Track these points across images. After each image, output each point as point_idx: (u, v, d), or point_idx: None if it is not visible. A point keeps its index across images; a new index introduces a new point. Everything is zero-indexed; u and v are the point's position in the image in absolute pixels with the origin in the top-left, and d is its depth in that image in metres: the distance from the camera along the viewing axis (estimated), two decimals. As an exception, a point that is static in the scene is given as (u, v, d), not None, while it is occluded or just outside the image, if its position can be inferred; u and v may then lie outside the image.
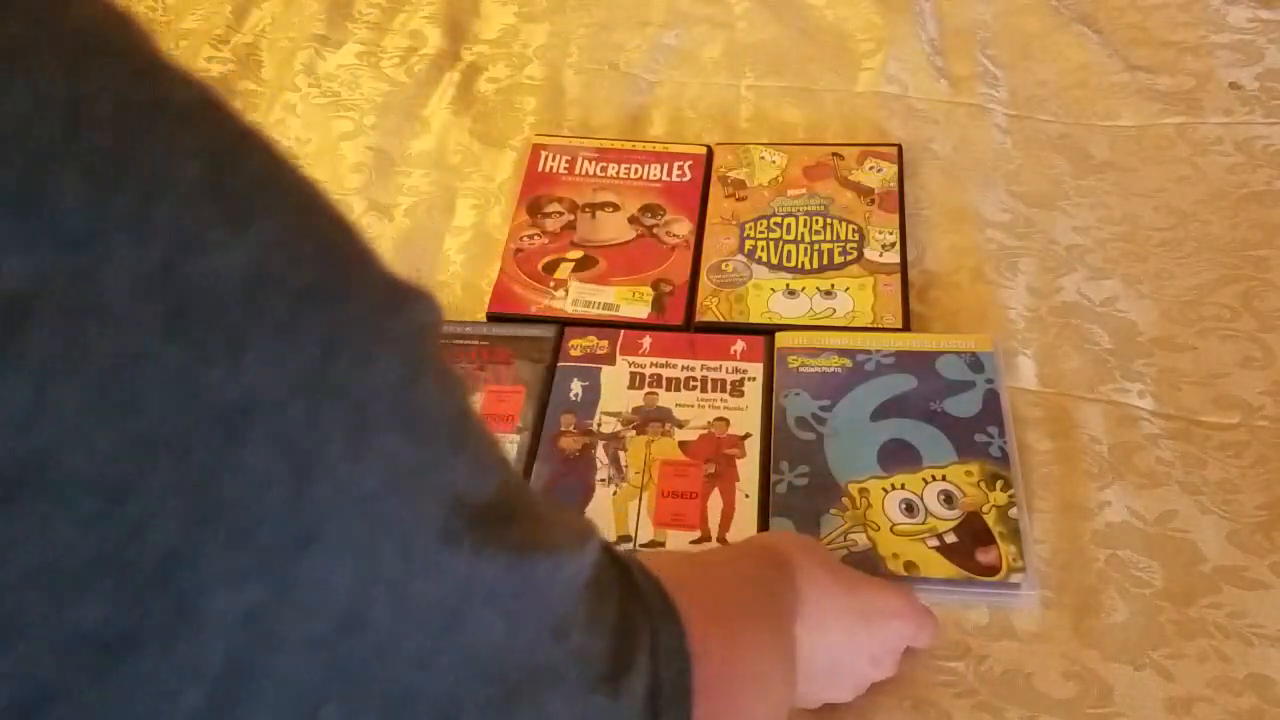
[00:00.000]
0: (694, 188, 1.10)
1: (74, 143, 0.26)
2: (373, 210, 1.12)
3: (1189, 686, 0.74)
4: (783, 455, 0.87)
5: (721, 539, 0.83)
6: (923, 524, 0.82)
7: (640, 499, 0.86)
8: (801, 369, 0.93)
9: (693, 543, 0.83)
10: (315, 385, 0.30)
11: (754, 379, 0.93)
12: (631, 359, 0.96)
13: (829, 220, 1.06)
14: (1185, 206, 1.05)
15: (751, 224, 1.06)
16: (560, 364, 0.96)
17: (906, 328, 0.96)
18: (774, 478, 0.86)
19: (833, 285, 1.00)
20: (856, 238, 1.04)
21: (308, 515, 0.29)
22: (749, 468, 0.87)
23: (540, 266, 1.04)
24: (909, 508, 0.83)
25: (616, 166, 1.13)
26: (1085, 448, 0.87)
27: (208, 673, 0.28)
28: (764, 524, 0.83)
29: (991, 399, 0.89)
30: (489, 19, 1.34)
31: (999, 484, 0.84)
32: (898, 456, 0.86)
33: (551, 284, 1.03)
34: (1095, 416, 0.89)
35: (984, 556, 0.80)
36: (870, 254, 1.02)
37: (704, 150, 1.14)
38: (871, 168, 1.10)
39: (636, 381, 0.94)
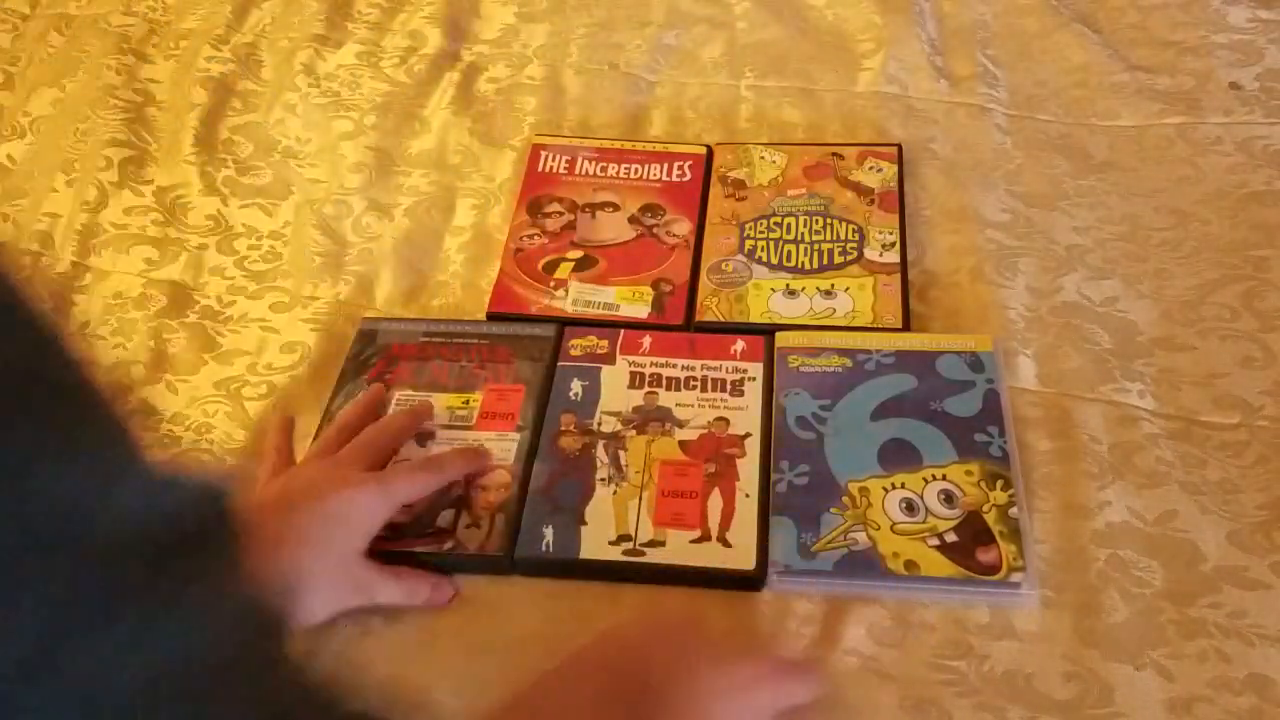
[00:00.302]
0: (694, 188, 1.10)
1: None
2: (373, 210, 1.12)
3: (1189, 687, 0.74)
4: (783, 455, 0.87)
5: (722, 538, 0.83)
6: (923, 523, 0.82)
7: (640, 499, 0.86)
8: (801, 369, 0.93)
9: (692, 542, 0.83)
10: None
11: (754, 379, 0.93)
12: (631, 359, 0.96)
13: (829, 220, 1.06)
14: (1185, 206, 1.05)
15: (751, 224, 1.06)
16: (560, 363, 0.96)
17: (906, 328, 0.96)
18: (774, 477, 0.86)
19: (833, 285, 1.00)
20: (856, 238, 1.04)
21: None
22: (749, 467, 0.87)
23: (540, 266, 1.04)
24: (909, 507, 0.83)
25: (616, 166, 1.13)
26: (1085, 448, 0.87)
27: None
28: (764, 523, 0.83)
29: (991, 399, 0.89)
30: (489, 19, 1.34)
31: (999, 484, 0.84)
32: (898, 456, 0.86)
33: (551, 284, 1.03)
34: (1095, 416, 0.89)
35: (984, 556, 0.80)
36: (870, 254, 1.02)
37: (704, 150, 1.14)
38: (871, 168, 1.10)
39: (636, 381, 0.94)
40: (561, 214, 1.09)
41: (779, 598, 0.81)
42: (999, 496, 0.83)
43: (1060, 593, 0.79)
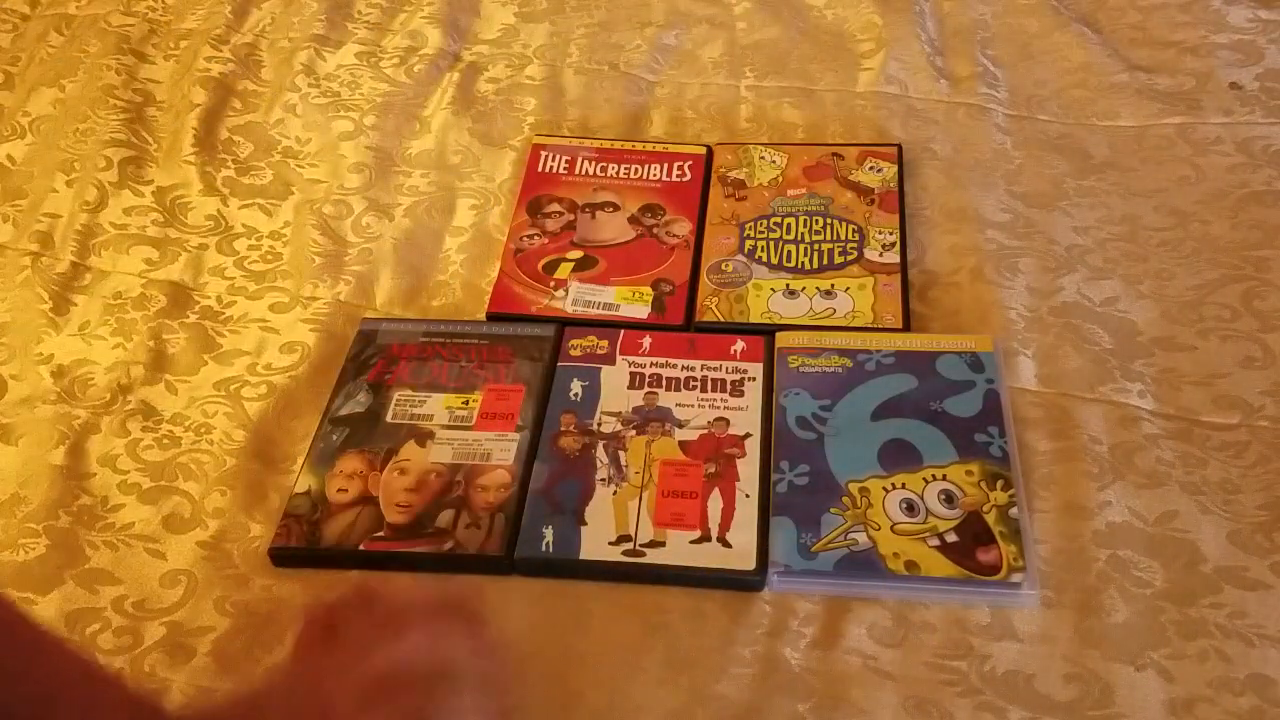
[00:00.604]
0: (694, 188, 1.10)
1: None
2: (373, 210, 1.12)
3: (1190, 687, 0.74)
4: (783, 455, 0.87)
5: (722, 539, 0.83)
6: (923, 523, 0.82)
7: (640, 499, 0.86)
8: (802, 369, 0.93)
9: (693, 543, 0.83)
10: None
11: (754, 379, 0.93)
12: (631, 359, 0.96)
13: (829, 220, 1.06)
14: (1185, 206, 1.05)
15: (751, 224, 1.06)
16: (560, 364, 0.96)
17: (906, 328, 0.96)
18: (774, 477, 0.86)
19: (833, 285, 1.00)
20: (856, 238, 1.04)
21: None
22: (749, 467, 0.87)
23: (540, 266, 1.04)
24: (909, 507, 0.83)
25: (616, 166, 1.13)
26: (1085, 448, 0.87)
27: None
28: (764, 524, 0.83)
29: (992, 399, 0.89)
30: (489, 19, 1.34)
31: (999, 484, 0.84)
32: (898, 456, 0.86)
33: (551, 284, 1.03)
34: (1095, 416, 0.89)
35: (985, 556, 0.80)
36: (870, 254, 1.02)
37: (704, 150, 1.14)
38: (871, 168, 1.10)
39: (636, 381, 0.94)
40: (561, 214, 1.09)
41: (779, 598, 0.81)
42: (999, 497, 0.83)
43: (1060, 593, 0.79)
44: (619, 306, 1.01)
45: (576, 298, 1.01)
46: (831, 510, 0.83)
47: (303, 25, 1.32)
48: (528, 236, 1.07)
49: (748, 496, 0.85)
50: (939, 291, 1.01)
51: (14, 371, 0.99)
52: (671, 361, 0.95)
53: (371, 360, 0.97)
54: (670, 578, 0.82)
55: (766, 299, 1.00)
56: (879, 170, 1.09)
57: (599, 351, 0.96)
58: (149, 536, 0.86)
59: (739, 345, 0.96)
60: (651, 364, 0.95)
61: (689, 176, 1.11)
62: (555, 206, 1.10)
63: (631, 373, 0.95)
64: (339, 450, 0.90)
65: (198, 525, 0.87)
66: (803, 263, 1.02)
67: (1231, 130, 1.12)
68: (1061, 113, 1.17)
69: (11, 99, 1.26)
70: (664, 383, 0.94)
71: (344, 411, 0.93)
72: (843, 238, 1.04)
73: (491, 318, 1.01)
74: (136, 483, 0.90)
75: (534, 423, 0.91)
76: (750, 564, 0.81)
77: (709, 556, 0.82)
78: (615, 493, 0.86)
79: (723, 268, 1.03)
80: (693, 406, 0.92)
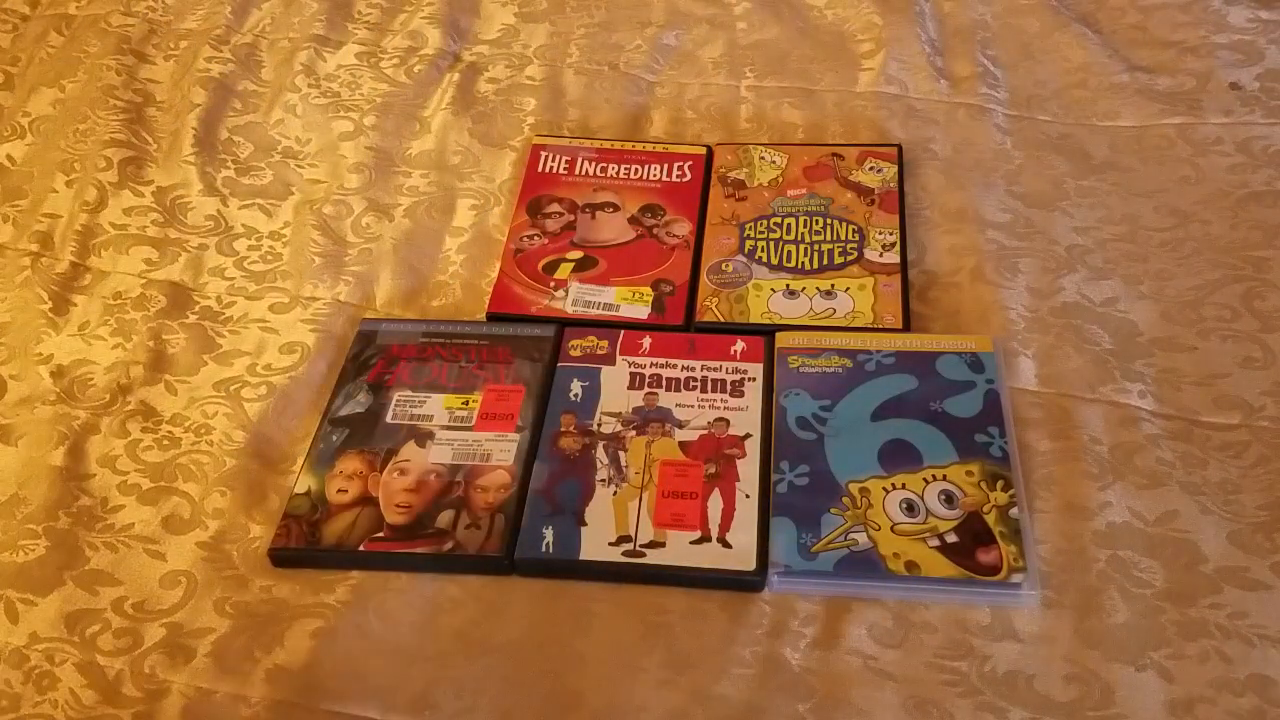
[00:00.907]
0: (694, 188, 1.10)
1: None
2: (373, 210, 1.12)
3: (1190, 687, 0.74)
4: (783, 455, 0.87)
5: (722, 539, 0.83)
6: (924, 524, 0.82)
7: (640, 499, 0.86)
8: (802, 369, 0.93)
9: (693, 543, 0.83)
10: None
11: (754, 379, 0.93)
12: (631, 359, 0.96)
13: (829, 220, 1.06)
14: (1185, 206, 1.05)
15: (751, 224, 1.06)
16: (560, 364, 0.96)
17: (907, 328, 0.96)
18: (774, 477, 0.86)
19: (833, 285, 1.00)
20: (856, 238, 1.03)
21: None
22: (749, 468, 0.87)
23: (540, 267, 1.04)
24: (910, 507, 0.83)
25: (616, 167, 1.13)
26: (1085, 448, 0.87)
27: None
28: (764, 524, 0.83)
29: (992, 399, 0.89)
30: (489, 19, 1.34)
31: (999, 484, 0.84)
32: (898, 456, 0.86)
33: (551, 284, 1.03)
34: (1095, 416, 0.89)
35: (985, 556, 0.80)
36: (870, 254, 1.02)
37: (704, 150, 1.14)
38: (871, 168, 1.10)
39: (636, 382, 0.94)
40: (561, 214, 1.09)
41: (779, 598, 0.81)
42: (999, 497, 0.83)
43: (1061, 593, 0.79)
44: (619, 307, 1.01)
45: (576, 298, 1.01)
46: (831, 511, 0.83)
47: (303, 25, 1.32)
48: (528, 237, 1.07)
49: (748, 497, 0.85)
50: (939, 291, 1.01)
51: (14, 372, 0.99)
52: (671, 362, 0.95)
53: (371, 361, 0.97)
54: (670, 578, 0.82)
55: (766, 299, 1.00)
56: (879, 170, 1.09)
57: (599, 352, 0.96)
58: (149, 537, 0.86)
59: (739, 346, 0.96)
60: (651, 364, 0.95)
61: (689, 177, 1.11)
62: (555, 207, 1.10)
63: (631, 373, 0.95)
64: (339, 451, 0.90)
65: (197, 526, 0.87)
66: (803, 263, 1.02)
67: (1231, 130, 1.12)
68: (1061, 113, 1.17)
69: (11, 99, 1.26)
70: (664, 383, 0.94)
71: (344, 412, 0.93)
72: (843, 238, 1.04)
73: (491, 318, 1.01)
74: (136, 483, 0.90)
75: (534, 423, 0.91)
76: (750, 564, 0.81)
77: (709, 557, 0.82)
78: (615, 493, 0.86)
79: (723, 268, 1.03)
80: (693, 407, 0.92)
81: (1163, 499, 0.84)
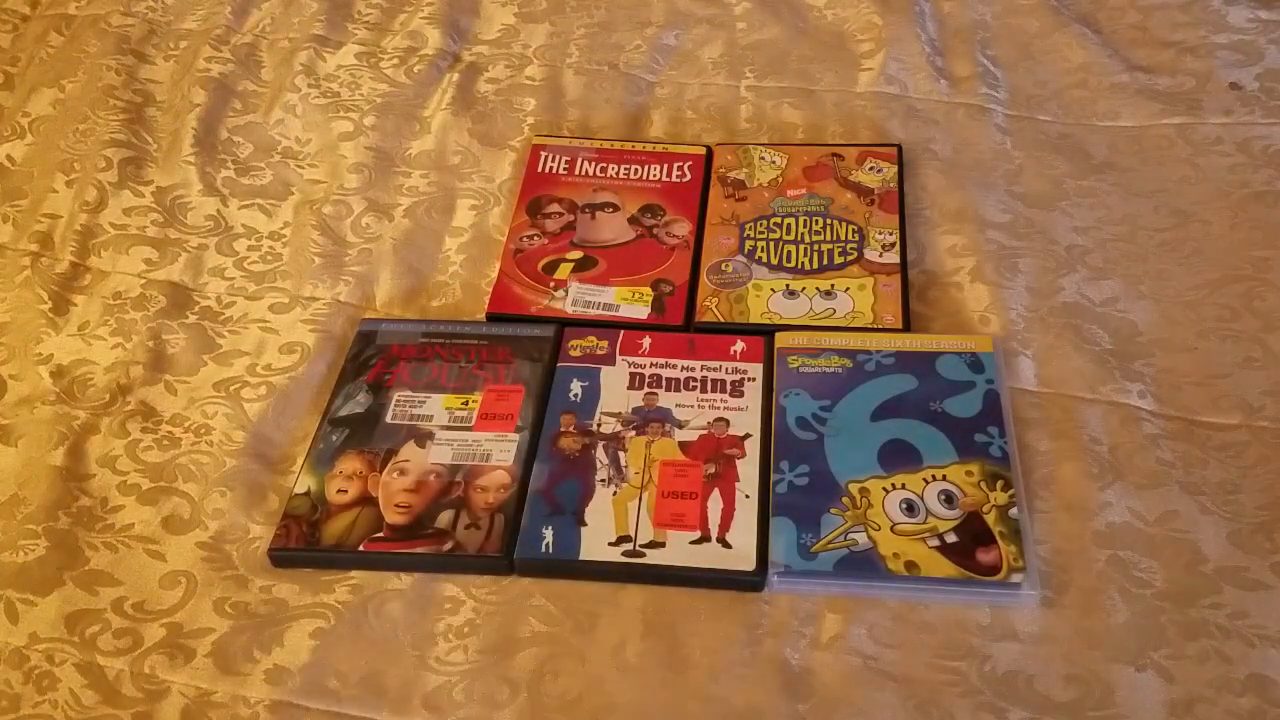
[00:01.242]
0: (694, 188, 1.10)
1: None
2: (372, 210, 1.12)
3: (1190, 687, 0.74)
4: (783, 455, 0.87)
5: (722, 539, 0.83)
6: (923, 524, 0.82)
7: (640, 499, 0.86)
8: (801, 369, 0.93)
9: (692, 543, 0.83)
10: None
11: (754, 379, 0.93)
12: (631, 359, 0.96)
13: (829, 220, 1.06)
14: (1185, 206, 1.05)
15: (751, 224, 1.06)
16: (560, 364, 0.96)
17: (906, 328, 0.96)
18: (774, 477, 0.86)
19: (833, 285, 1.00)
20: (856, 238, 1.03)
21: None
22: (749, 468, 0.87)
23: (540, 267, 1.04)
24: (909, 507, 0.83)
25: (616, 167, 1.13)
26: (1085, 448, 0.87)
27: None
28: (764, 524, 0.83)
29: (992, 399, 0.89)
30: (489, 19, 1.34)
31: (999, 484, 0.84)
32: (898, 456, 0.86)
33: (551, 284, 1.03)
34: (1095, 416, 0.89)
35: (985, 556, 0.80)
36: (870, 254, 1.02)
37: (703, 151, 1.14)
38: (871, 168, 1.10)
39: (636, 382, 0.94)
40: (561, 214, 1.09)
41: (779, 598, 0.81)
42: (999, 497, 0.83)
43: (1061, 593, 0.79)
44: (619, 307, 1.01)
45: (576, 298, 1.01)
46: (831, 511, 0.83)
47: (303, 25, 1.32)
48: (528, 237, 1.07)
49: (747, 497, 0.85)
50: (939, 291, 1.01)
51: (13, 372, 0.99)
52: (671, 362, 0.95)
53: (371, 361, 0.97)
54: (670, 578, 0.82)
55: (766, 299, 1.00)
56: (879, 170, 1.09)
57: (599, 352, 0.96)
58: (148, 538, 0.86)
59: (739, 346, 0.96)
60: (651, 364, 0.95)
61: (689, 177, 1.11)
62: (555, 207, 1.10)
63: (631, 373, 0.95)
64: (338, 451, 0.90)
65: (197, 526, 0.87)
66: (802, 263, 1.02)
67: (1231, 130, 1.12)
68: (1061, 113, 1.17)
69: (11, 99, 1.26)
70: (664, 383, 0.94)
71: (344, 412, 0.93)
72: (843, 238, 1.04)
73: (491, 318, 1.01)
74: (136, 484, 0.90)
75: (534, 423, 0.91)
76: (750, 564, 0.81)
77: (709, 557, 0.82)
78: (615, 493, 0.86)
79: (722, 268, 1.03)
80: (692, 407, 0.92)
81: (1163, 499, 0.84)
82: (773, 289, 1.00)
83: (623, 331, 0.98)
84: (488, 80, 1.26)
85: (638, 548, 0.83)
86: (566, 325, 0.99)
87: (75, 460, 0.91)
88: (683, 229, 1.07)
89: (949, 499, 0.83)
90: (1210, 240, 1.02)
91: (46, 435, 0.93)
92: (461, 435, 0.91)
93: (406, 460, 0.89)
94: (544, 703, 0.76)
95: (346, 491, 0.88)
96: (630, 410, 0.92)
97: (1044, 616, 0.78)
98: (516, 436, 0.90)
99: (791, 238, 1.04)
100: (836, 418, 0.89)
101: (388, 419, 0.92)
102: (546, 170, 1.13)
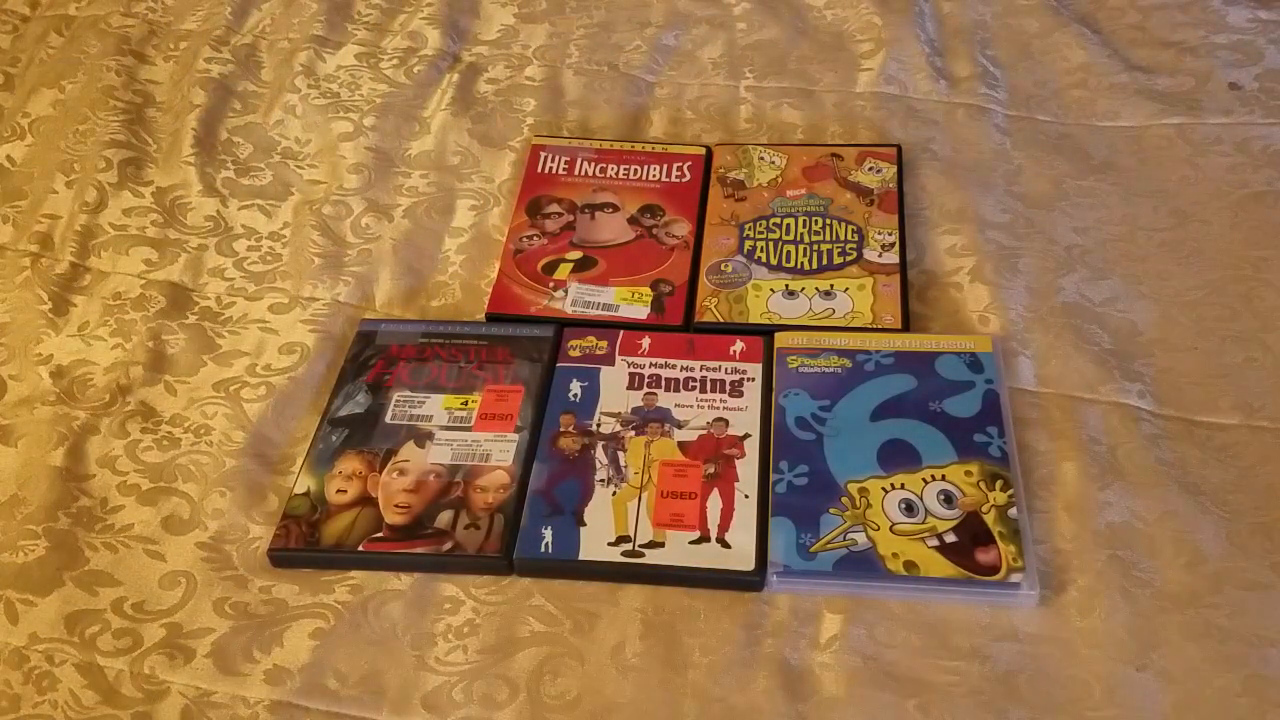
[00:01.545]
0: (693, 188, 1.10)
1: None
2: (372, 210, 1.12)
3: (1190, 687, 0.74)
4: (782, 455, 0.87)
5: (721, 539, 0.83)
6: (923, 524, 0.82)
7: (640, 499, 0.86)
8: (801, 369, 0.93)
9: (692, 543, 0.83)
10: None
11: (753, 379, 0.93)
12: (630, 359, 0.96)
13: (828, 221, 1.06)
14: (1185, 206, 1.05)
15: (751, 224, 1.06)
16: (559, 364, 0.96)
17: (906, 328, 0.96)
18: (774, 478, 0.86)
19: (832, 285, 1.00)
20: (856, 238, 1.03)
21: None
22: (749, 468, 0.87)
23: (540, 267, 1.04)
24: (909, 507, 0.83)
25: (616, 167, 1.13)
26: (1085, 448, 0.87)
27: None
28: (763, 524, 0.83)
29: (991, 399, 0.89)
30: (489, 19, 1.34)
31: (999, 484, 0.84)
32: (897, 456, 0.86)
33: (551, 284, 1.03)
34: (1095, 416, 0.89)
35: (984, 556, 0.80)
36: (870, 254, 1.02)
37: (703, 151, 1.14)
38: (871, 168, 1.10)
39: (635, 382, 0.94)
40: (561, 215, 1.09)
41: (778, 598, 0.81)
42: (999, 497, 0.83)
43: (1060, 593, 0.79)
44: (618, 307, 1.01)
45: (576, 298, 1.01)
46: (831, 511, 0.83)
47: (302, 26, 1.32)
48: (527, 237, 1.07)
49: (747, 497, 0.85)
50: (939, 291, 1.01)
51: (13, 372, 0.99)
52: (671, 362, 0.95)
53: (371, 361, 0.97)
54: (669, 578, 0.82)
55: (766, 299, 1.00)
56: (878, 171, 1.09)
57: (598, 352, 0.96)
58: (148, 538, 0.86)
59: (738, 346, 0.96)
60: (651, 364, 0.95)
61: (688, 177, 1.11)
62: (555, 207, 1.10)
63: (631, 373, 0.95)
64: (338, 451, 0.90)
65: (197, 526, 0.87)
66: (802, 263, 1.02)
67: (1231, 130, 1.12)
68: (1061, 113, 1.17)
69: (11, 100, 1.26)
70: (663, 383, 0.94)
71: (343, 412, 0.93)
72: (842, 238, 1.04)
73: (491, 318, 1.01)
74: (136, 484, 0.90)
75: (533, 423, 0.91)
76: (749, 564, 0.81)
77: (708, 557, 0.82)
78: (614, 493, 0.86)
79: (722, 268, 1.03)
80: (692, 407, 0.92)
81: (1162, 499, 0.84)
82: (772, 289, 1.00)
83: (622, 332, 0.98)
84: (487, 81, 1.26)
85: (637, 548, 0.83)
86: (566, 325, 0.99)
87: (75, 460, 0.91)
88: (682, 229, 1.07)
89: (948, 499, 0.83)
90: (1210, 240, 1.02)
91: (46, 435, 0.93)
92: (461, 435, 0.91)
93: (406, 460, 0.89)
94: (543, 703, 0.76)
95: (346, 492, 0.88)
96: (630, 410, 0.92)
97: (1044, 616, 0.78)
98: (516, 437, 0.90)
99: (791, 238, 1.04)
100: (836, 418, 0.89)
101: (387, 419, 0.92)
102: (546, 170, 1.13)
